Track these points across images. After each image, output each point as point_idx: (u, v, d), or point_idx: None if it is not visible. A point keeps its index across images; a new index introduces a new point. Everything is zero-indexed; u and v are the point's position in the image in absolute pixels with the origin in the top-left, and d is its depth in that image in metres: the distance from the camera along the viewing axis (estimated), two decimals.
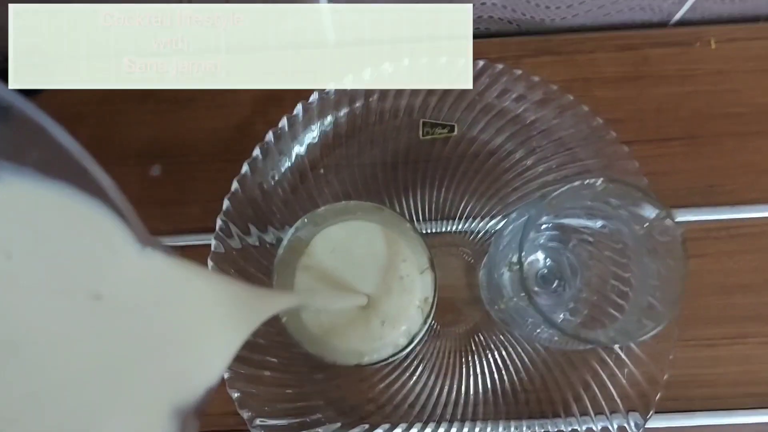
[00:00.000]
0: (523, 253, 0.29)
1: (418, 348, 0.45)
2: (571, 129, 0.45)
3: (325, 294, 0.34)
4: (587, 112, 0.45)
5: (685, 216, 0.46)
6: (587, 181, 0.29)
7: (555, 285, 0.40)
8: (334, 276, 0.35)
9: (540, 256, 0.40)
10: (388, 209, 0.32)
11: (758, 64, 0.48)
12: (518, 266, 0.29)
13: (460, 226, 0.46)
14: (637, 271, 0.34)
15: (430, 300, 0.30)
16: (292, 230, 0.35)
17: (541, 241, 0.39)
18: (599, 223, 0.36)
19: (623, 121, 0.48)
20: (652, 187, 0.44)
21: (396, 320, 0.34)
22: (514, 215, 0.33)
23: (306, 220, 0.33)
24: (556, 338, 0.31)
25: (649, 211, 0.31)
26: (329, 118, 0.46)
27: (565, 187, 0.30)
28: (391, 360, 0.44)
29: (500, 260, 0.33)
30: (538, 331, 0.34)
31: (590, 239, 0.39)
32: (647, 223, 0.31)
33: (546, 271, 0.40)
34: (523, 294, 0.29)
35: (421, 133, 0.47)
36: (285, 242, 0.34)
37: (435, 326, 0.45)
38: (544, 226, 0.38)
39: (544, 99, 0.45)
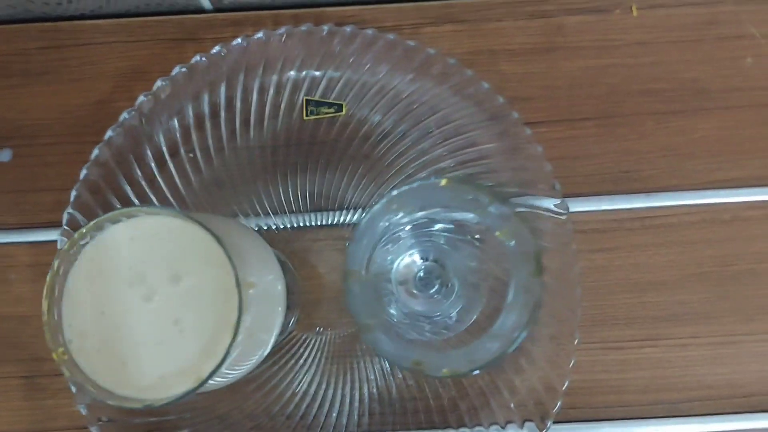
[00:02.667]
0: (358, 261, 0.24)
1: (299, 353, 0.40)
2: (471, 109, 0.40)
3: None
4: (488, 89, 0.40)
5: (595, 205, 0.41)
6: (430, 181, 0.24)
7: (435, 289, 0.35)
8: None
9: (415, 257, 0.35)
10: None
11: (683, 34, 0.43)
12: (345, 281, 0.24)
13: (348, 218, 0.41)
14: (513, 276, 0.29)
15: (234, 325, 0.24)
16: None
17: (413, 240, 0.34)
18: (479, 219, 0.32)
19: (532, 99, 0.43)
20: (560, 173, 0.39)
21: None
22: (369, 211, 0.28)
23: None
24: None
25: (506, 215, 0.26)
26: (199, 95, 0.41)
27: (404, 188, 0.25)
28: (264, 367, 0.40)
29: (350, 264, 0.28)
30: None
31: (477, 235, 0.34)
32: (506, 227, 0.27)
33: (423, 273, 0.35)
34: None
35: (304, 112, 0.41)
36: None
37: (318, 329, 0.41)
38: (411, 225, 0.33)
39: (441, 74, 0.40)
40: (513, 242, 0.27)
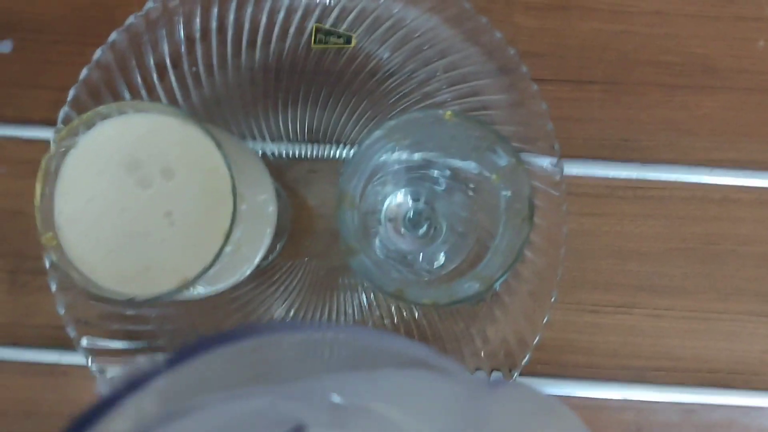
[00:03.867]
0: (351, 190, 0.24)
1: (282, 279, 0.41)
2: (479, 57, 0.40)
3: None
4: (501, 39, 0.39)
5: (590, 170, 0.42)
6: (432, 111, 0.24)
7: (423, 230, 0.35)
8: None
9: (407, 197, 0.35)
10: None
11: (701, 9, 0.43)
12: (338, 206, 0.24)
13: (345, 152, 0.41)
14: (502, 223, 0.29)
15: (226, 231, 0.25)
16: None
17: (407, 179, 0.34)
18: (475, 167, 0.32)
19: (542, 56, 0.42)
20: (561, 134, 0.39)
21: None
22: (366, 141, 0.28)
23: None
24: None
25: (504, 159, 0.26)
26: (209, 8, 0.40)
27: (405, 117, 0.25)
28: (246, 289, 0.40)
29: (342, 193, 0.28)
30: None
31: (471, 183, 0.34)
32: (502, 171, 0.27)
33: (413, 214, 0.35)
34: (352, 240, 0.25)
35: (313, 40, 0.41)
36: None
37: (305, 259, 0.41)
38: (409, 164, 0.33)
39: (455, 17, 0.40)
40: (508, 191, 0.27)
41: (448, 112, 0.25)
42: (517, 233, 0.26)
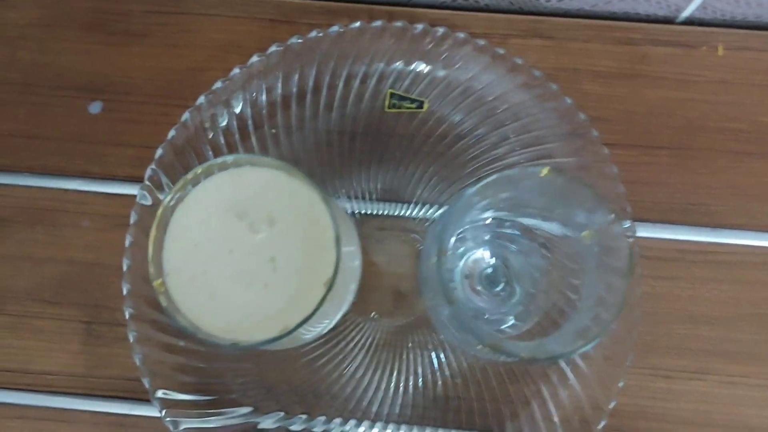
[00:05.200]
0: (446, 243, 0.25)
1: (351, 336, 0.41)
2: (551, 121, 0.41)
3: None
4: (571, 105, 0.41)
5: (660, 233, 0.42)
6: (528, 168, 0.25)
7: (501, 288, 0.36)
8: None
9: (486, 254, 0.36)
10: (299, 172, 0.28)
11: (766, 78, 0.44)
12: (436, 258, 0.25)
13: (416, 212, 0.42)
14: (587, 282, 0.30)
15: (329, 281, 0.25)
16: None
17: (488, 237, 0.35)
18: (556, 228, 0.32)
19: (610, 121, 0.43)
20: (630, 197, 0.40)
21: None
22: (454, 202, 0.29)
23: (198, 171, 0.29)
24: (478, 347, 0.27)
25: (600, 216, 0.27)
26: (290, 75, 0.42)
27: (498, 175, 0.26)
28: (316, 344, 0.41)
29: (430, 250, 0.29)
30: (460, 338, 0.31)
31: (547, 244, 0.35)
32: (596, 228, 0.27)
33: (491, 270, 0.36)
34: (440, 290, 0.25)
35: (387, 104, 0.42)
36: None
37: (373, 315, 0.41)
38: (489, 222, 0.34)
39: (525, 84, 0.41)
40: (598, 247, 0.28)
41: (546, 169, 0.26)
42: (610, 289, 0.27)
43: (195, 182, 0.28)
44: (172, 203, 0.27)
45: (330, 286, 0.26)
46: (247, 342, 0.26)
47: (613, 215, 0.26)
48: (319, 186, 0.27)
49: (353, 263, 0.32)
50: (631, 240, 0.26)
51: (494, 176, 0.26)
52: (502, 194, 0.29)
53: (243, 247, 0.27)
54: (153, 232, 0.27)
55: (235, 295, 0.27)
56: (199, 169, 0.27)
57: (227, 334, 0.26)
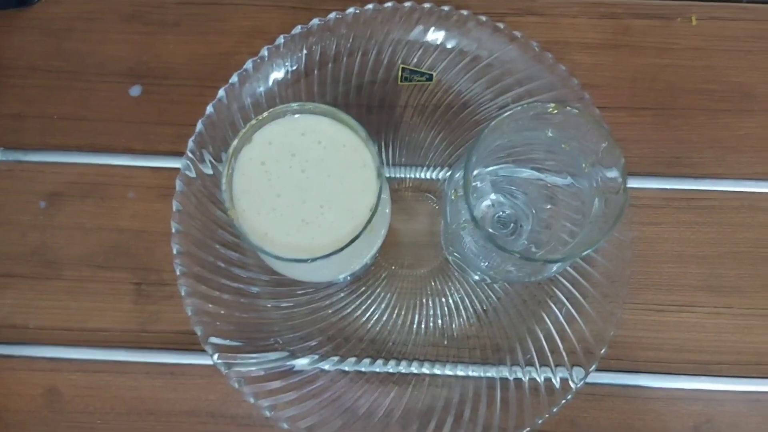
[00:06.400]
0: (470, 175, 0.30)
1: (375, 286, 0.46)
2: (546, 87, 0.46)
3: None
4: (565, 71, 0.45)
5: (648, 184, 0.47)
6: (535, 102, 0.30)
7: (510, 228, 0.41)
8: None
9: (495, 199, 0.40)
10: (346, 115, 0.33)
11: (736, 44, 0.49)
12: (463, 183, 0.30)
13: (430, 174, 0.47)
14: (587, 213, 0.34)
15: (373, 208, 0.30)
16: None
17: (497, 184, 0.40)
18: (568, 180, 0.37)
19: (599, 87, 0.48)
20: None
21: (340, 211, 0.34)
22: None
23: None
24: (510, 268, 0.31)
25: (596, 144, 0.32)
26: (311, 51, 0.46)
27: (512, 110, 0.30)
28: (341, 293, 0.45)
29: (455, 184, 0.33)
30: (485, 264, 0.35)
31: (550, 186, 0.40)
32: (598, 153, 0.32)
33: (503, 214, 0.41)
34: (470, 211, 0.30)
35: (399, 78, 0.47)
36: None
37: (394, 267, 0.46)
38: (503, 174, 0.39)
39: (524, 54, 0.46)
40: (594, 174, 0.32)
41: (552, 105, 0.30)
42: (609, 204, 0.31)
43: (259, 126, 0.33)
44: (239, 143, 0.32)
45: (373, 211, 0.30)
46: (307, 257, 0.31)
47: (606, 143, 0.31)
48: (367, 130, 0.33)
49: (385, 210, 0.36)
50: (623, 160, 0.31)
51: (507, 113, 0.30)
52: (515, 135, 0.33)
53: (300, 183, 0.32)
54: (225, 170, 0.32)
55: (293, 225, 0.32)
56: (265, 114, 0.32)
57: (287, 255, 0.31)
